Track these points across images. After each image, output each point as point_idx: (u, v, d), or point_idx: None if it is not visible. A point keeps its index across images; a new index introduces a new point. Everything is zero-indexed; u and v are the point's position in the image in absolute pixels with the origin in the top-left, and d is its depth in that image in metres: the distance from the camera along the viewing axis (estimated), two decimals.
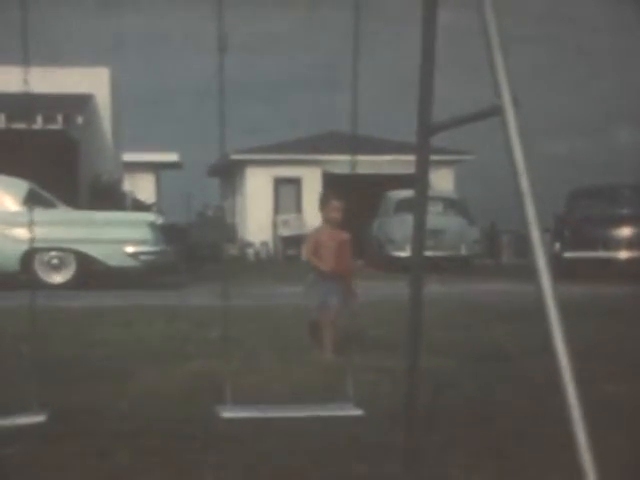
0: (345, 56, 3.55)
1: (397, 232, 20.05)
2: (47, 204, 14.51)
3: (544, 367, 2.49)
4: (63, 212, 14.83)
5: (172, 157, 34.14)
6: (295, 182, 30.81)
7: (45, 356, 5.24)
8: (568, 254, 16.99)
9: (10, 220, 13.77)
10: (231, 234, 29.65)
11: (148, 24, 50.53)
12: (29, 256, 13.67)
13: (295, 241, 27.65)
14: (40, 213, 13.34)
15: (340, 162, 25.48)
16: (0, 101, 17.71)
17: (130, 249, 14.30)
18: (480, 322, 8.46)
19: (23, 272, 13.96)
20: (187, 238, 21.42)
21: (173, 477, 3.53)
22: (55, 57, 21.21)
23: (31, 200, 13.69)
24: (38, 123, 18.28)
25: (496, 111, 2.27)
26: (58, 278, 14.19)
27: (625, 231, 17.22)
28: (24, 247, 13.20)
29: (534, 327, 2.95)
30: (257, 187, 30.90)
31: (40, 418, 4.02)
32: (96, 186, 20.57)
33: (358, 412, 4.17)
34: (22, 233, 12.76)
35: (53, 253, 14.24)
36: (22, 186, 14.05)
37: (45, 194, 14.66)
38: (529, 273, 2.30)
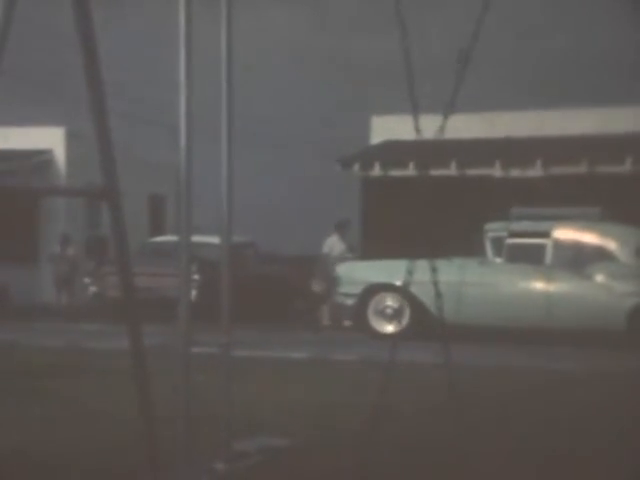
0: None
1: None
2: None
3: None
4: None
5: None
6: None
7: None
8: None
9: (618, 272, 14.22)
10: None
11: None
12: (637, 311, 13.94)
13: None
14: None
15: None
16: None
17: None
18: None
19: (629, 329, 13.94)
20: None
21: None
22: None
23: None
24: None
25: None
26: None
27: None
28: (631, 302, 13.97)
29: None
30: None
31: None
32: None
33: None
34: (630, 286, 13.76)
35: None
36: (637, 236, 14.64)
37: None
38: None
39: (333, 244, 19.02)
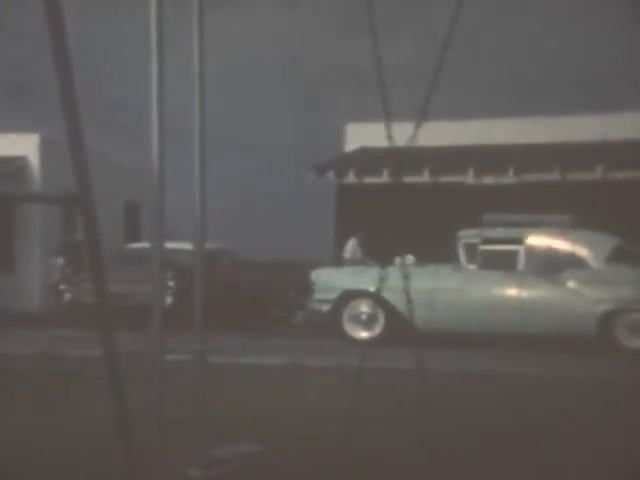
0: None
1: None
2: (633, 261, 14.60)
3: None
4: None
5: None
6: None
7: None
8: None
9: (590, 278, 14.36)
10: None
11: None
12: (609, 318, 14.12)
13: None
14: (625, 271, 14.22)
15: None
16: None
17: None
18: None
19: (601, 335, 14.13)
20: None
21: None
22: None
23: (616, 257, 14.39)
24: None
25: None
26: None
27: None
28: (603, 308, 14.10)
29: None
30: None
31: None
32: None
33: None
34: (601, 293, 13.92)
35: (635, 315, 14.14)
36: (608, 242, 14.84)
37: (633, 251, 14.90)
38: None
39: (354, 249, 19.11)
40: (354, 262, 18.44)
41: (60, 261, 21.23)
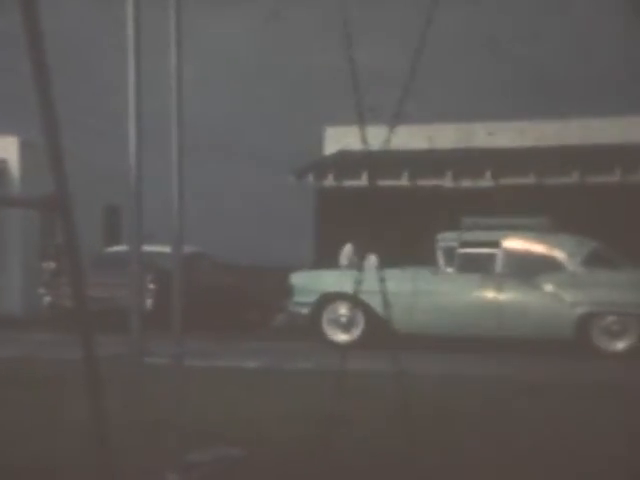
0: None
1: None
2: (610, 264, 14.81)
3: None
4: (628, 273, 14.70)
5: None
6: None
7: None
8: None
9: (567, 281, 14.45)
10: None
11: None
12: (585, 321, 14.23)
13: None
14: (601, 274, 14.39)
15: None
16: None
17: None
18: None
19: (578, 338, 14.21)
20: None
21: None
22: None
23: (592, 261, 14.54)
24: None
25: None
26: (619, 345, 14.16)
27: None
28: (580, 311, 14.19)
29: None
30: None
31: None
32: None
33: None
34: (578, 296, 14.00)
35: (611, 318, 14.24)
36: (585, 245, 14.97)
37: (610, 254, 15.03)
38: None
39: (350, 255, 19.05)
40: (351, 269, 18.36)
41: (51, 265, 21.13)
